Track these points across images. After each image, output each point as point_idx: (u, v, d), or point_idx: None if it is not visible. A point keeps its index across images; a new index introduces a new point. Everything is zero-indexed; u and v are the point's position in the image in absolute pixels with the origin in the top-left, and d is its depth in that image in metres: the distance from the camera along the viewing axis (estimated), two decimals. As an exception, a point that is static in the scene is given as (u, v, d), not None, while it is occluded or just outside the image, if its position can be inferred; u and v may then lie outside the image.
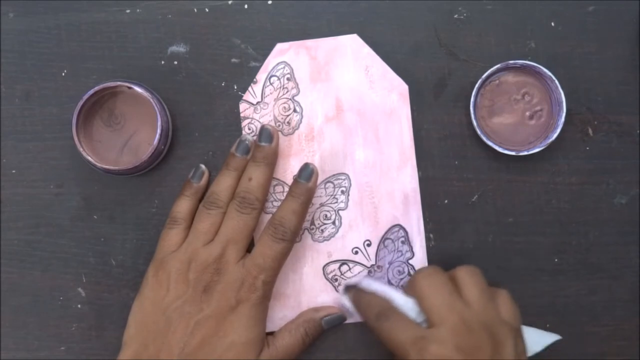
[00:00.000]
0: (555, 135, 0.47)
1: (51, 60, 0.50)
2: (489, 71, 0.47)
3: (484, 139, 0.47)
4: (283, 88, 0.49)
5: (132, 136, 0.48)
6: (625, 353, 0.49)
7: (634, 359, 0.49)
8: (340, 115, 0.49)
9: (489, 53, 0.49)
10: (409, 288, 0.44)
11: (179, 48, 0.50)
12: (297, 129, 0.49)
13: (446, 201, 0.49)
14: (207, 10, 0.50)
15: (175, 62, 0.50)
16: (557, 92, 0.47)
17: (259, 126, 0.49)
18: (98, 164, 0.47)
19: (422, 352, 0.39)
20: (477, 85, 0.47)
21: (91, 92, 0.46)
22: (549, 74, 0.47)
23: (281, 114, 0.49)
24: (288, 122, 0.49)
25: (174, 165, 0.50)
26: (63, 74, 0.50)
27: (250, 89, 0.49)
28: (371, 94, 0.49)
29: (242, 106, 0.49)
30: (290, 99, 0.49)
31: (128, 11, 0.50)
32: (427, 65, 0.49)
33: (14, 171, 0.50)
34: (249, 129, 0.49)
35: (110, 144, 0.48)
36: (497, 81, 0.49)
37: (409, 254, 0.49)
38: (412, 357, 0.40)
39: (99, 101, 0.48)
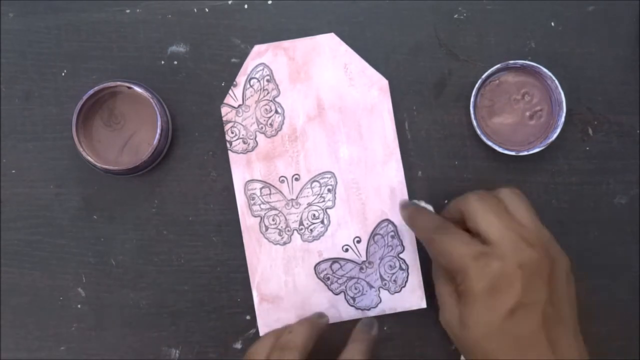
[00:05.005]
0: (555, 135, 0.47)
1: (51, 60, 0.50)
2: (489, 71, 0.47)
3: (484, 139, 0.47)
4: (263, 90, 0.49)
5: (132, 136, 0.48)
6: (625, 353, 0.49)
7: (634, 359, 0.49)
8: (322, 114, 0.49)
9: (489, 53, 0.49)
10: (457, 209, 0.43)
11: (179, 48, 0.50)
12: (280, 130, 0.49)
13: (446, 201, 0.49)
14: (207, 10, 0.50)
15: (175, 62, 0.50)
16: (557, 92, 0.47)
17: (242, 130, 0.49)
18: (98, 164, 0.47)
19: (485, 267, 0.39)
20: (477, 85, 0.47)
21: (91, 92, 0.46)
22: (549, 74, 0.47)
23: (263, 116, 0.49)
24: (270, 124, 0.49)
25: (174, 165, 0.50)
26: (63, 74, 0.50)
27: (230, 92, 0.49)
28: (351, 91, 0.49)
29: (224, 110, 0.49)
30: (271, 101, 0.49)
31: (128, 11, 0.50)
32: (427, 65, 0.49)
33: (14, 171, 0.50)
34: (232, 133, 0.49)
35: (110, 144, 0.48)
36: (497, 81, 0.49)
37: (399, 248, 0.49)
38: (472, 271, 0.39)
39: (99, 101, 0.48)
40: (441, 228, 0.43)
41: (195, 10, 0.50)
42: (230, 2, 0.50)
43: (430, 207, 0.47)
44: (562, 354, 0.39)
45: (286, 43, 0.49)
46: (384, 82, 0.49)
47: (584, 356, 0.40)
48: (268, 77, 0.49)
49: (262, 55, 0.49)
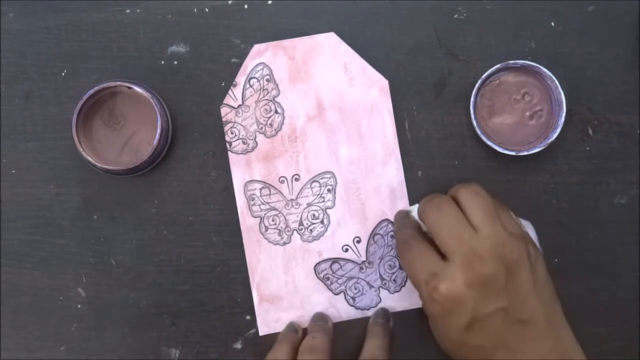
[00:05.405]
0: (555, 135, 0.47)
1: (51, 60, 0.50)
2: (489, 71, 0.47)
3: (484, 139, 0.47)
4: (263, 90, 0.49)
5: (132, 136, 0.48)
6: (625, 353, 0.49)
7: (634, 359, 0.49)
8: (322, 113, 0.49)
9: (489, 53, 0.49)
10: (421, 217, 0.44)
11: (179, 48, 0.50)
12: (279, 130, 0.49)
13: (446, 201, 0.49)
14: (207, 10, 0.50)
15: (175, 62, 0.50)
16: (557, 92, 0.47)
17: (241, 130, 0.49)
18: (98, 164, 0.47)
19: (433, 292, 0.39)
20: (477, 85, 0.47)
21: (91, 92, 0.46)
22: (549, 74, 0.47)
23: (263, 116, 0.49)
24: (270, 124, 0.49)
25: (174, 165, 0.50)
26: (63, 74, 0.50)
27: (230, 92, 0.49)
28: (351, 90, 0.49)
29: (224, 110, 0.49)
30: (271, 100, 0.49)
31: (128, 11, 0.50)
32: (427, 65, 0.49)
33: (14, 171, 0.50)
34: (232, 133, 0.49)
35: (110, 144, 0.48)
36: (497, 81, 0.49)
37: None
38: (423, 295, 0.40)
39: (99, 101, 0.48)
40: (406, 244, 0.43)
41: (195, 10, 0.50)
42: (230, 2, 0.50)
43: (415, 210, 0.46)
44: (530, 354, 0.39)
45: (286, 42, 0.49)
46: (384, 82, 0.49)
47: (563, 354, 0.40)
48: (268, 77, 0.49)
49: (261, 54, 0.49)
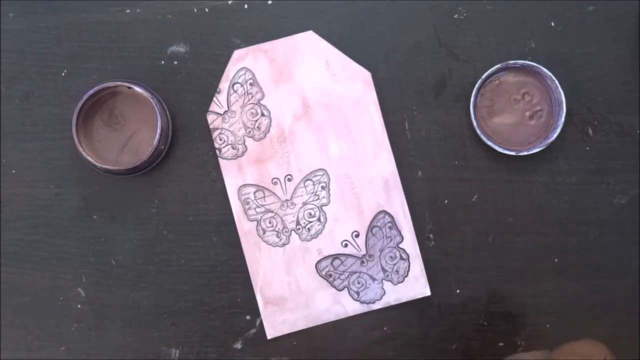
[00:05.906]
0: (555, 135, 0.47)
1: (51, 60, 0.50)
2: (489, 71, 0.47)
3: (484, 139, 0.47)
4: (247, 94, 0.49)
5: (132, 136, 0.48)
6: (625, 353, 0.49)
7: (634, 359, 0.49)
8: (308, 112, 0.49)
9: (489, 53, 0.49)
10: None
11: (179, 48, 0.50)
12: (267, 132, 0.49)
13: (446, 201, 0.49)
14: (207, 10, 0.50)
15: (175, 62, 0.50)
16: (557, 92, 0.47)
17: (230, 136, 0.49)
18: (98, 164, 0.47)
19: None
20: (477, 85, 0.47)
21: (91, 92, 0.46)
22: (549, 74, 0.47)
23: (250, 120, 0.49)
24: (258, 127, 0.49)
25: (174, 165, 0.50)
26: (63, 74, 0.50)
27: (215, 99, 0.49)
28: (335, 86, 0.49)
29: (210, 117, 0.49)
30: (256, 104, 0.49)
31: (128, 11, 0.50)
32: (427, 65, 0.49)
33: (14, 171, 0.50)
34: (220, 139, 0.49)
35: (110, 144, 0.48)
36: (497, 81, 0.49)
37: (398, 239, 0.49)
38: None
39: (99, 101, 0.48)
40: None
41: (195, 10, 0.50)
42: (230, 2, 0.50)
43: None
44: None
45: (266, 45, 0.49)
46: (367, 75, 0.49)
47: None
48: (251, 81, 0.49)
49: (242, 59, 0.49)
